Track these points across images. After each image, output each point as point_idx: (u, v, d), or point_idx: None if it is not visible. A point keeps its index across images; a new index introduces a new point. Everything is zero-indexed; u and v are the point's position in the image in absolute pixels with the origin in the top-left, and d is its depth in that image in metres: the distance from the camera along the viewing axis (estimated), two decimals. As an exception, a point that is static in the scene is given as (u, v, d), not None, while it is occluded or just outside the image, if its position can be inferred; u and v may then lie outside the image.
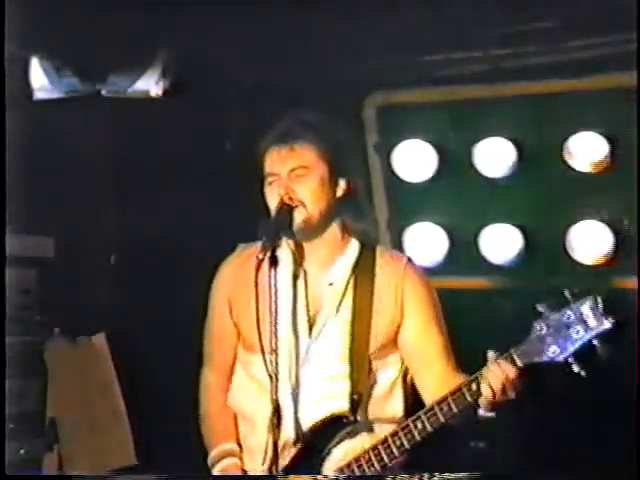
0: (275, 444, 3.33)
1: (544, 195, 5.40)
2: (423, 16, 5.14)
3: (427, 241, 5.56)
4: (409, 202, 5.68)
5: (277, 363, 3.31)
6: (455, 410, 3.33)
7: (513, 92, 5.42)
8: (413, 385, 3.61)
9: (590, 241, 5.27)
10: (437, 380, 3.49)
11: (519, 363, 3.25)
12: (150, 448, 5.40)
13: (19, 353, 4.90)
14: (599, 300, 3.18)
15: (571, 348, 3.17)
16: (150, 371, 5.44)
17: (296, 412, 3.47)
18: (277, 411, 3.34)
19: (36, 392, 5.14)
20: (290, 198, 3.45)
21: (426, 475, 3.43)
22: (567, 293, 3.20)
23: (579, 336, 3.16)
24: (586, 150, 5.28)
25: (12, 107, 4.31)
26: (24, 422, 5.06)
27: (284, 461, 3.44)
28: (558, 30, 5.15)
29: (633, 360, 4.64)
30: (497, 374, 3.26)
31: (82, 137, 5.41)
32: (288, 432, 3.46)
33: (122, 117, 5.48)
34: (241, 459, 3.55)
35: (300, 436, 3.46)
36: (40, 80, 5.16)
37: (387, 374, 3.56)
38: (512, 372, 3.25)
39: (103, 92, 5.28)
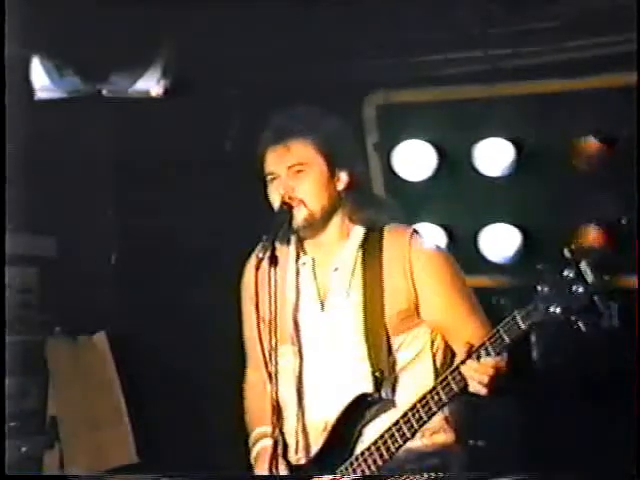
0: (304, 431, 3.42)
1: (543, 195, 5.40)
2: (423, 16, 5.15)
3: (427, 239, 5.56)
4: (408, 201, 5.67)
5: (276, 362, 3.33)
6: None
7: (513, 92, 5.42)
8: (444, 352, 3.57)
9: (589, 240, 5.28)
10: (473, 340, 3.39)
11: (523, 326, 3.23)
12: (151, 446, 5.41)
13: (20, 352, 4.92)
14: (597, 257, 3.22)
15: (573, 305, 3.19)
16: (151, 369, 5.45)
17: (319, 397, 3.49)
18: (300, 400, 3.43)
19: (37, 390, 5.16)
20: (290, 197, 3.46)
21: (429, 475, 3.44)
22: (566, 252, 3.22)
23: (580, 293, 3.18)
24: (585, 150, 5.29)
25: (13, 107, 4.32)
26: (25, 420, 5.08)
27: (316, 446, 3.46)
28: (558, 30, 5.15)
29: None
30: (479, 370, 3.26)
31: (83, 136, 5.43)
32: (315, 417, 3.48)
33: (123, 117, 5.50)
34: (277, 440, 3.49)
35: (328, 420, 3.46)
36: (41, 80, 5.17)
37: (412, 347, 3.52)
38: (495, 364, 3.25)
39: (104, 92, 5.29)
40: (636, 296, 4.95)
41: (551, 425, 5.23)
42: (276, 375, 3.32)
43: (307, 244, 3.58)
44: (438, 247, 3.64)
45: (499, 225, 5.45)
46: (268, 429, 3.53)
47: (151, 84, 5.26)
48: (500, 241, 5.45)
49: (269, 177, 3.53)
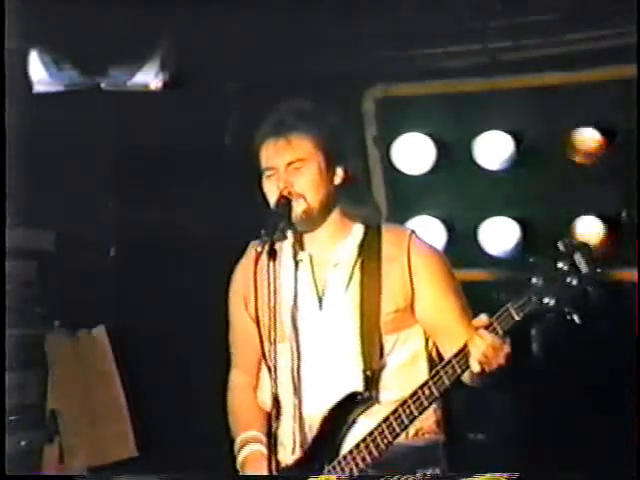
0: (301, 430, 3.43)
1: (543, 188, 5.40)
2: (423, 9, 5.15)
3: (426, 234, 5.55)
4: (408, 195, 5.68)
5: (275, 352, 3.32)
6: (459, 372, 3.32)
7: (512, 85, 5.42)
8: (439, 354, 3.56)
9: (589, 233, 5.27)
10: (459, 344, 3.38)
11: (516, 317, 3.24)
12: (150, 440, 5.42)
13: (20, 346, 4.92)
14: (590, 249, 3.24)
15: (566, 297, 3.20)
16: (150, 363, 5.45)
17: (314, 395, 3.48)
18: (299, 399, 3.43)
19: (36, 384, 5.17)
20: (289, 192, 3.45)
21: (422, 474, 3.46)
22: (561, 245, 3.23)
23: (573, 284, 3.21)
24: (585, 142, 5.29)
25: (12, 100, 4.31)
26: (25, 414, 5.09)
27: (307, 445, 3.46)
28: (558, 22, 5.15)
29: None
30: (485, 342, 3.24)
31: (82, 130, 5.42)
32: (311, 416, 3.47)
33: (122, 110, 5.49)
34: (266, 446, 3.48)
35: (319, 418, 3.46)
36: (40, 73, 5.17)
37: (408, 347, 3.53)
38: (497, 341, 3.24)
39: (103, 85, 5.29)
40: (636, 291, 4.95)
41: (551, 424, 5.24)
42: (275, 370, 3.32)
43: (304, 240, 3.56)
44: (435, 248, 3.65)
45: (498, 218, 5.46)
46: (255, 433, 3.55)
47: (150, 77, 5.26)
48: (500, 234, 5.45)
49: (267, 172, 3.51)
